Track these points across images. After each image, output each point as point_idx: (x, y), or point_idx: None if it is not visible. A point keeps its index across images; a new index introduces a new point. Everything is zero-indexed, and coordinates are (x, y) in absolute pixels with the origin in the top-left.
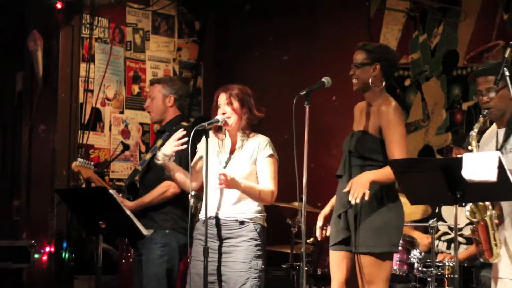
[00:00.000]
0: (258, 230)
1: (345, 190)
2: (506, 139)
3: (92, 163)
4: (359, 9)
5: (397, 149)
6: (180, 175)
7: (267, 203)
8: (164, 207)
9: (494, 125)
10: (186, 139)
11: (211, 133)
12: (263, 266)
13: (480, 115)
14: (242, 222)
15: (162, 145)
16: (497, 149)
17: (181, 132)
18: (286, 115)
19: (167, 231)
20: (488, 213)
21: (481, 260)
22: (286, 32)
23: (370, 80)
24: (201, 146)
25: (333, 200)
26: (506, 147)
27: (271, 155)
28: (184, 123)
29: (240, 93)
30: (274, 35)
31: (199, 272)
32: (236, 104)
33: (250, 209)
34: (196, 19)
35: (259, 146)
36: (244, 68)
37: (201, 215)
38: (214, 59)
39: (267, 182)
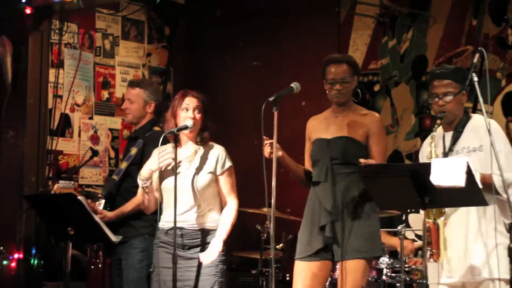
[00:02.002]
0: None
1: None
2: (454, 142)
3: (73, 182)
4: (329, 14)
5: (381, 160)
6: (155, 196)
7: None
8: (143, 214)
9: (440, 129)
10: (169, 155)
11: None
12: (224, 270)
13: (437, 118)
14: (207, 232)
15: (137, 153)
16: (444, 152)
17: (164, 151)
18: (255, 120)
19: (146, 236)
20: (442, 218)
21: (430, 261)
22: (256, 37)
23: (351, 92)
24: (154, 157)
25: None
26: (453, 149)
27: (230, 167)
28: (157, 128)
29: (207, 103)
30: (244, 41)
31: (165, 279)
32: (202, 113)
33: (213, 218)
34: (166, 24)
35: (218, 158)
36: (214, 74)
37: (162, 225)
38: (184, 64)
39: (229, 198)
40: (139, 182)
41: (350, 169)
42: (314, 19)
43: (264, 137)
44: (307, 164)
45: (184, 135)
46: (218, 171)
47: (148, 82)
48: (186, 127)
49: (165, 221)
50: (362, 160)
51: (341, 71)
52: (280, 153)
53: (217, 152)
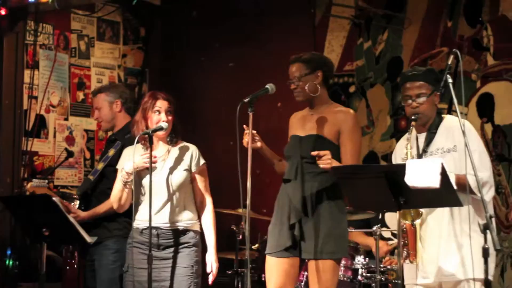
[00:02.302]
0: (197, 237)
1: None
2: (428, 143)
3: (46, 181)
4: (304, 16)
5: (353, 157)
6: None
7: None
8: (117, 216)
9: (413, 130)
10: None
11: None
12: (200, 271)
13: (412, 120)
14: (183, 231)
15: (115, 154)
16: (418, 153)
17: (146, 153)
18: (231, 121)
19: (119, 237)
20: (419, 220)
21: (406, 262)
22: (232, 38)
23: (315, 88)
24: (126, 156)
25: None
26: (427, 150)
27: (204, 164)
28: None
29: (174, 104)
30: (220, 42)
31: (140, 279)
32: (173, 115)
33: (188, 217)
34: (142, 25)
35: (193, 156)
36: (190, 75)
37: (136, 224)
38: (160, 65)
39: (206, 195)
40: (122, 177)
41: (320, 168)
42: (289, 20)
43: (244, 126)
44: None
45: (155, 136)
46: (194, 168)
47: (109, 85)
48: (161, 128)
49: (140, 220)
50: (313, 153)
51: (293, 70)
52: (259, 144)
53: (191, 150)
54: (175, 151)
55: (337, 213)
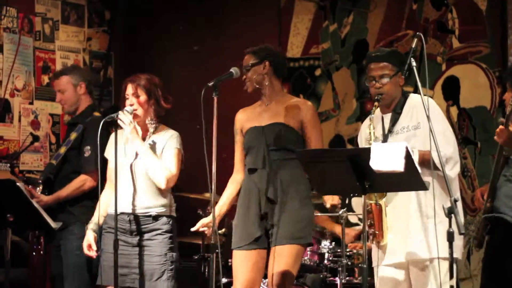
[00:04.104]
0: (171, 223)
1: None
2: (393, 123)
3: (8, 165)
4: None
5: (319, 147)
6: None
7: (163, 181)
8: (82, 200)
9: (378, 111)
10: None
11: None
12: (177, 257)
13: (375, 101)
14: (155, 217)
15: (77, 138)
16: (384, 134)
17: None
18: (197, 105)
19: (85, 222)
20: (384, 199)
21: (373, 243)
22: (197, 22)
23: (262, 78)
24: (111, 142)
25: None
26: (392, 130)
27: (178, 148)
28: (97, 113)
29: (147, 84)
30: (184, 25)
31: (110, 264)
32: (143, 96)
33: (162, 202)
34: (106, 8)
35: (168, 139)
36: (154, 58)
37: (111, 210)
38: (125, 48)
39: (171, 165)
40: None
41: (286, 155)
42: (255, 3)
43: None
44: (238, 157)
45: (135, 120)
46: (164, 148)
47: (71, 67)
48: (127, 111)
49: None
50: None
51: (244, 61)
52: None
53: (169, 134)
54: (155, 136)
55: (305, 198)
